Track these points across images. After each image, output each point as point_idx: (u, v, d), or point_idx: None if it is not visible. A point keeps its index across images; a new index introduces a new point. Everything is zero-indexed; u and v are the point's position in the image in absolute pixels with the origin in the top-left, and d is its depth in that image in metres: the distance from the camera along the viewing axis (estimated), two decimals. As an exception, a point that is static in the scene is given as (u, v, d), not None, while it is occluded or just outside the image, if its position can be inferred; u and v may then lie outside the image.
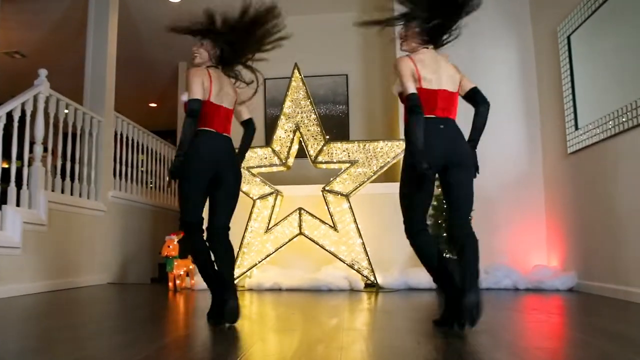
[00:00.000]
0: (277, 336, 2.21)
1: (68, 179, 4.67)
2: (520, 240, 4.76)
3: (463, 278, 2.09)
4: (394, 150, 4.55)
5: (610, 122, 3.61)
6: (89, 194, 4.89)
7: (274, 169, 4.74)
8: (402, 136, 4.89)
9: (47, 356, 1.79)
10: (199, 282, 4.46)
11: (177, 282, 4.40)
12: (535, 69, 5.00)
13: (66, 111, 4.72)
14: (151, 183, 6.19)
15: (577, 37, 4.13)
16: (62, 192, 4.59)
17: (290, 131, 4.68)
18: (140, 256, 5.66)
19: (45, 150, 4.56)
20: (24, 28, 6.30)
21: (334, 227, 4.48)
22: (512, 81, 5.00)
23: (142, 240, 5.71)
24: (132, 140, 5.71)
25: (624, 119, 3.44)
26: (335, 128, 5.93)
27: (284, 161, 4.66)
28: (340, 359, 1.66)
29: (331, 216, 4.49)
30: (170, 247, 4.39)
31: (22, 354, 1.83)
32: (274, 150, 4.69)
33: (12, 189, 4.04)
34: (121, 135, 5.46)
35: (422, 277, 4.45)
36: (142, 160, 5.98)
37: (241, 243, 4.55)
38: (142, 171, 5.94)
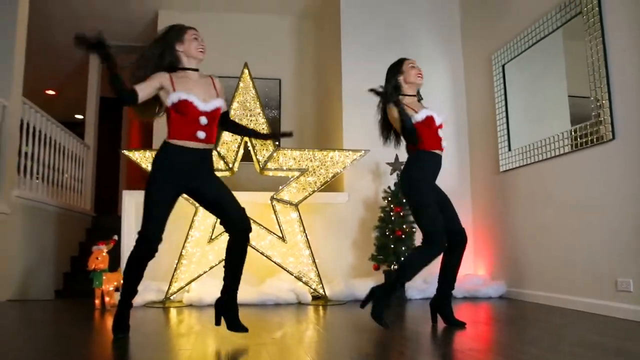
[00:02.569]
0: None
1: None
2: (451, 251, 5.03)
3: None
4: (343, 160, 4.51)
5: (540, 149, 4.03)
6: (-12, 194, 4.09)
7: (219, 174, 4.39)
8: (346, 146, 4.90)
9: None
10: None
11: (106, 299, 3.87)
12: (465, 91, 5.34)
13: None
14: (48, 180, 5.35)
15: (512, 66, 4.50)
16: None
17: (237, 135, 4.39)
18: (42, 266, 4.88)
19: None
20: None
21: (282, 238, 4.30)
22: (445, 100, 5.28)
23: (44, 247, 4.93)
24: (40, 131, 4.89)
25: (549, 149, 3.91)
26: (266, 133, 5.72)
27: (230, 166, 4.37)
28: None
29: (279, 226, 4.31)
30: (99, 258, 3.85)
31: None
32: (219, 154, 4.37)
33: None
34: (27, 125, 4.65)
35: (368, 288, 4.47)
36: (49, 155, 5.17)
37: (180, 254, 4.16)
38: (48, 167, 5.14)
